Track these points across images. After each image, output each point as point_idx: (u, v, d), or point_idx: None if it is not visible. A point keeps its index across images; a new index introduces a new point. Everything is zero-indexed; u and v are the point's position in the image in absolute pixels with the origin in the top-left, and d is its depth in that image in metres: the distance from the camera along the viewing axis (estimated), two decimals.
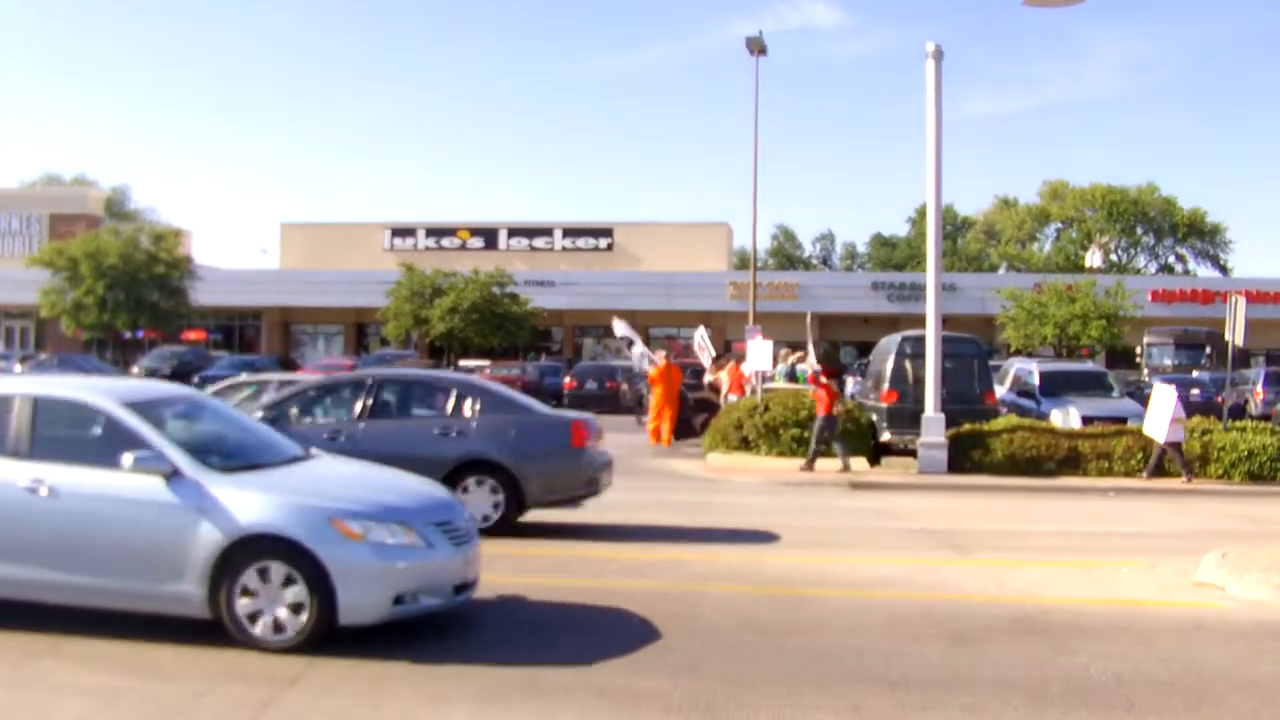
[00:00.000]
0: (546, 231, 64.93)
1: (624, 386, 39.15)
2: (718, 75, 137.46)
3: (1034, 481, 19.57)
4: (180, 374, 44.56)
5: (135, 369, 44.80)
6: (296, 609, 7.86)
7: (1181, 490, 19.17)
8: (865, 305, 57.16)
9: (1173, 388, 20.16)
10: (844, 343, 58.94)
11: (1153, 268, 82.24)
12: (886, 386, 23.47)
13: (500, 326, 49.97)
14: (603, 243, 64.31)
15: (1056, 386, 26.13)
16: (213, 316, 61.43)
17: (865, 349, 42.22)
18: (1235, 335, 21.28)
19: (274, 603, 7.88)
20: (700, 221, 66.90)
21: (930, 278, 21.49)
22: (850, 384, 39.35)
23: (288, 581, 7.88)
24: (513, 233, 64.92)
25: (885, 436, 23.05)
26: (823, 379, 21.28)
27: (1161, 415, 19.55)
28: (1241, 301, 21.60)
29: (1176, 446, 19.63)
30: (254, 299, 61.48)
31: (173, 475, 8.08)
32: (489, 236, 64.58)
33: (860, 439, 22.14)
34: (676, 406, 26.28)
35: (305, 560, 7.86)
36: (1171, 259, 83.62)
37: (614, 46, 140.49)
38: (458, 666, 7.68)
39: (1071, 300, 45.70)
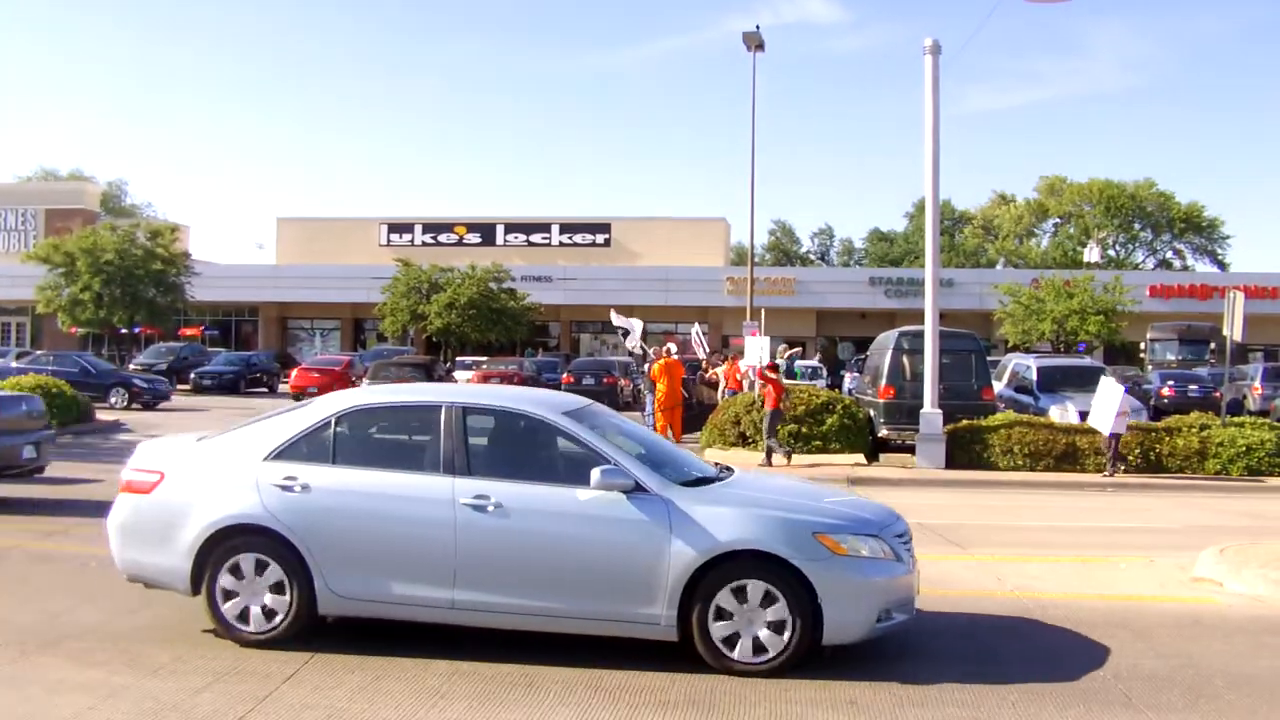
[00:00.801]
0: (544, 227, 64.95)
1: (622, 381, 39.17)
2: (715, 70, 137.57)
3: (1032, 476, 19.57)
4: (177, 370, 44.72)
5: (131, 365, 44.82)
6: (778, 628, 7.46)
7: (1178, 486, 19.18)
8: (863, 300, 57.23)
9: (1118, 383, 20.12)
10: (841, 338, 59.01)
11: (1150, 263, 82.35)
12: (884, 382, 23.47)
13: (497, 322, 50.01)
14: (600, 238, 64.35)
15: (1054, 382, 26.13)
16: (209, 312, 61.51)
17: (863, 344, 42.23)
18: (1233, 330, 21.26)
19: (752, 623, 7.48)
20: (698, 217, 67.03)
21: (928, 273, 21.47)
22: (848, 379, 39.38)
23: (767, 600, 7.47)
24: (510, 228, 64.95)
25: (883, 432, 23.05)
26: (769, 374, 21.41)
27: (1107, 409, 19.54)
28: (1240, 297, 21.58)
29: (1115, 439, 19.63)
30: (251, 295, 61.54)
31: (634, 490, 7.66)
32: (486, 232, 64.60)
33: (858, 435, 22.13)
34: (681, 402, 26.20)
35: (789, 577, 7.44)
36: (1169, 254, 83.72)
37: (611, 42, 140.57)
38: (454, 663, 7.66)
39: (1069, 296, 45.72)
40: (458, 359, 47.65)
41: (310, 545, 7.80)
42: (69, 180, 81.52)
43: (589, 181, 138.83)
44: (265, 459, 8.06)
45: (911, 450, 21.00)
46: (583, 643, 8.10)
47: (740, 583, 7.49)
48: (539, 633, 7.85)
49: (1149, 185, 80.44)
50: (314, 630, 7.95)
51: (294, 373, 42.11)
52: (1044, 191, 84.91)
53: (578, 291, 57.33)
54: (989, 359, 27.31)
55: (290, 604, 7.86)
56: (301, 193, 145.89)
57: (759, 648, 7.48)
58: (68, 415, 25.05)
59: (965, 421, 21.06)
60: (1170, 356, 43.52)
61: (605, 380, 38.88)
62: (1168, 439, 20.26)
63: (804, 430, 21.68)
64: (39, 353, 42.94)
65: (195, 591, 7.96)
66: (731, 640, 7.50)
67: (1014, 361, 30.01)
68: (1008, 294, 47.98)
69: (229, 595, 7.91)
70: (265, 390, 46.00)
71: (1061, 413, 23.66)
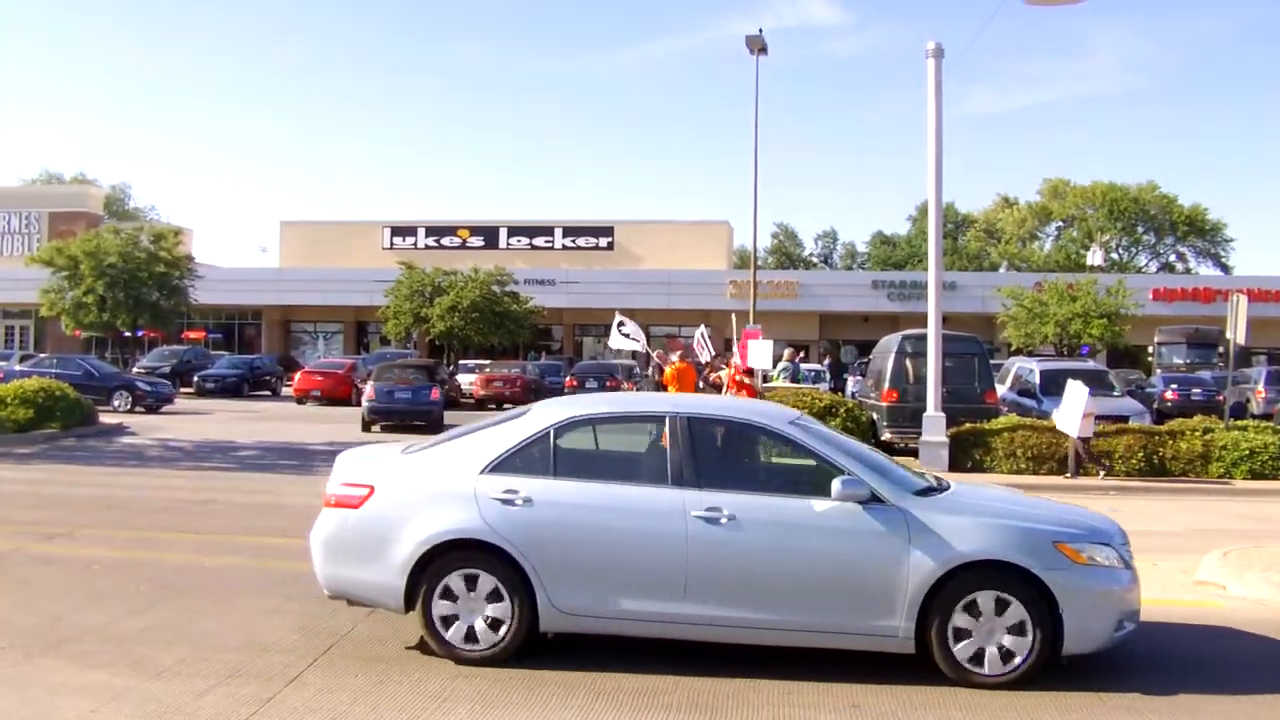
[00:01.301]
0: (547, 230, 64.97)
1: (625, 385, 39.17)
2: (718, 73, 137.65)
3: (1035, 480, 19.53)
4: (180, 373, 44.77)
5: (135, 368, 44.85)
6: (1018, 640, 7.40)
7: (1182, 490, 19.16)
8: (866, 304, 57.19)
9: (1083, 385, 20.13)
10: (844, 341, 58.92)
11: (1154, 266, 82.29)
12: (887, 385, 23.47)
13: (500, 325, 49.97)
14: (603, 241, 64.36)
15: (1058, 385, 26.05)
16: (213, 315, 61.56)
17: (866, 348, 42.19)
18: (1237, 334, 21.25)
19: (992, 634, 7.41)
20: (700, 220, 67.01)
21: (931, 276, 21.47)
22: (851, 383, 39.35)
23: (1005, 610, 7.41)
24: (513, 231, 64.98)
25: (886, 435, 23.03)
26: (745, 380, 21.59)
27: (1074, 411, 19.55)
28: (1243, 300, 21.57)
29: (1085, 442, 19.65)
30: (254, 298, 61.57)
31: (870, 501, 7.56)
32: (489, 235, 64.62)
33: (861, 438, 22.08)
34: None
35: (1029, 588, 7.38)
36: (1172, 257, 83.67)
37: (613, 44, 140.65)
38: (458, 666, 7.66)
39: (1072, 299, 45.65)
40: (461, 362, 47.66)
41: (533, 560, 7.63)
42: (72, 184, 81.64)
43: (591, 184, 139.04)
44: (482, 472, 7.88)
45: (914, 454, 20.98)
46: (582, 645, 8.10)
47: (979, 594, 7.44)
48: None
49: (1152, 188, 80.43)
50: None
51: (297, 376, 42.14)
52: (1047, 194, 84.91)
53: (580, 295, 57.32)
54: (992, 362, 27.30)
55: (511, 620, 7.67)
56: (305, 196, 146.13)
57: (1000, 659, 7.43)
58: (71, 418, 25.06)
59: (968, 425, 21.05)
60: (1178, 360, 43.48)
61: (608, 383, 38.91)
62: (1171, 442, 20.24)
63: None
64: (42, 356, 42.97)
65: (408, 609, 7.80)
66: (970, 652, 7.45)
67: (1017, 365, 29.99)
68: (1011, 297, 47.91)
69: (445, 612, 7.74)
70: (268, 393, 46.04)
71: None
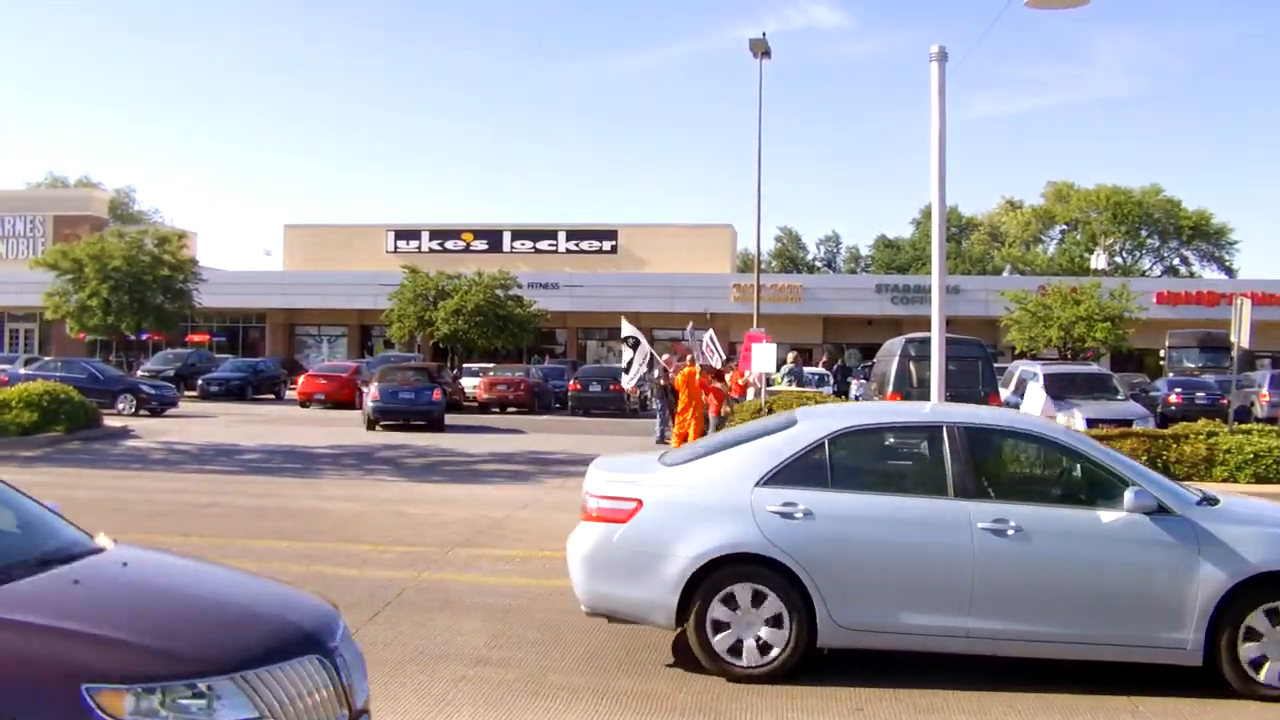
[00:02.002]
0: (550, 234, 65.05)
1: (629, 389, 39.17)
2: (721, 77, 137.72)
3: None
4: (184, 376, 44.82)
5: (139, 371, 44.92)
6: None
7: None
8: (869, 307, 57.22)
9: (1041, 389, 20.14)
10: (848, 345, 58.93)
11: (1158, 270, 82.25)
12: (890, 389, 23.42)
13: (504, 329, 49.98)
14: (606, 245, 64.43)
15: (1061, 389, 26.06)
16: (217, 319, 61.63)
17: (869, 351, 42.18)
18: (1241, 337, 21.21)
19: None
20: (704, 224, 67.01)
21: (935, 280, 21.41)
22: (854, 386, 39.34)
23: None
24: (516, 235, 65.06)
25: None
26: (714, 383, 21.77)
27: (1032, 412, 19.62)
28: (1247, 304, 21.52)
29: None
30: (258, 301, 61.65)
31: (1156, 512, 7.46)
32: (493, 239, 64.70)
33: None
34: (701, 411, 26.25)
35: None
36: (1176, 261, 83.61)
37: (617, 49, 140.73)
38: (462, 669, 7.67)
39: (1076, 302, 45.64)
40: (464, 365, 47.67)
41: (814, 574, 7.47)
42: (77, 187, 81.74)
43: (596, 188, 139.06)
44: (758, 485, 7.70)
45: None
46: (593, 645, 8.10)
47: (1273, 605, 7.31)
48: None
49: (1156, 191, 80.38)
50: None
51: (301, 379, 42.15)
52: (1051, 198, 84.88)
53: (584, 298, 57.38)
54: (996, 366, 27.27)
55: (789, 635, 7.51)
56: (309, 200, 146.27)
57: None
58: (75, 421, 25.07)
59: None
60: (1189, 363, 43.45)
61: (612, 387, 38.91)
62: (1175, 446, 20.19)
63: None
64: (47, 359, 43.06)
65: (678, 625, 7.68)
66: (1260, 664, 7.34)
67: (1021, 368, 29.96)
68: (1014, 301, 47.90)
69: (719, 628, 7.58)
70: (272, 397, 46.06)
71: (1068, 420, 23.61)
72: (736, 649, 7.56)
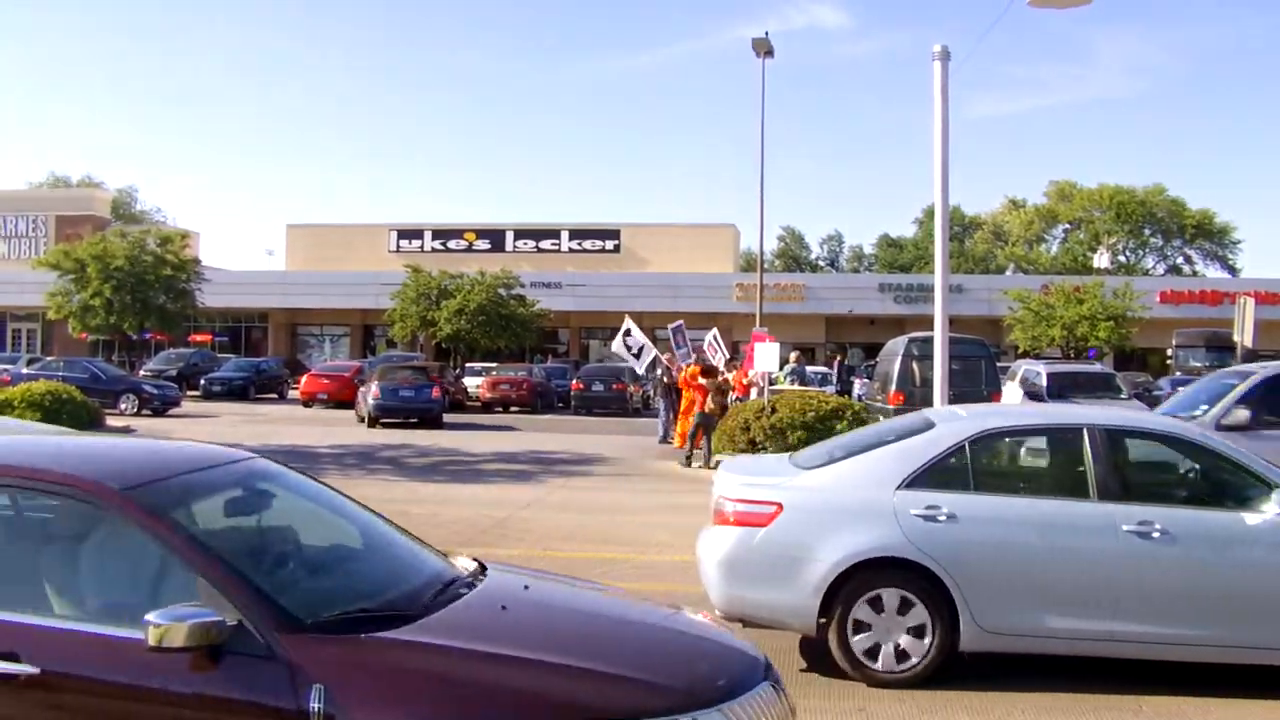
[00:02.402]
0: (553, 233, 65.05)
1: (631, 388, 39.19)
2: (724, 77, 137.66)
3: None
4: (186, 376, 44.82)
5: (141, 371, 44.93)
6: None
7: None
8: (872, 307, 57.18)
9: (1018, 387, 20.12)
10: (851, 344, 58.91)
11: (1161, 269, 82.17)
12: (893, 388, 23.41)
13: (507, 329, 49.97)
14: (609, 244, 64.42)
15: (1064, 388, 26.01)
16: (219, 318, 61.66)
17: (872, 350, 42.23)
18: (1244, 336, 21.21)
19: None
20: (707, 223, 66.98)
21: (938, 279, 21.35)
22: (857, 386, 39.31)
23: None
24: (519, 235, 65.06)
25: None
26: (699, 380, 21.95)
27: None
28: (1250, 302, 21.53)
29: None
30: (260, 301, 61.66)
31: None
32: (495, 238, 64.71)
33: None
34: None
35: None
36: (1179, 260, 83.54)
37: (619, 48, 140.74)
38: None
39: (1079, 301, 45.64)
40: (467, 365, 47.67)
41: (958, 577, 7.43)
42: (79, 187, 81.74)
43: (598, 188, 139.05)
44: (899, 488, 7.67)
45: None
46: None
47: None
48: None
49: (1159, 191, 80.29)
50: None
51: (303, 379, 42.17)
52: (1054, 197, 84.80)
53: (587, 298, 57.36)
54: (999, 365, 27.25)
55: (931, 640, 7.49)
56: (311, 199, 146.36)
57: None
58: (78, 421, 24.97)
59: None
60: (1196, 363, 43.38)
61: (614, 386, 38.95)
62: None
63: (814, 437, 21.62)
64: (49, 358, 43.05)
65: (817, 631, 7.64)
66: None
67: (1024, 368, 29.92)
68: (1017, 300, 47.91)
69: (860, 633, 7.55)
70: (275, 396, 46.06)
71: None
72: (874, 653, 7.53)
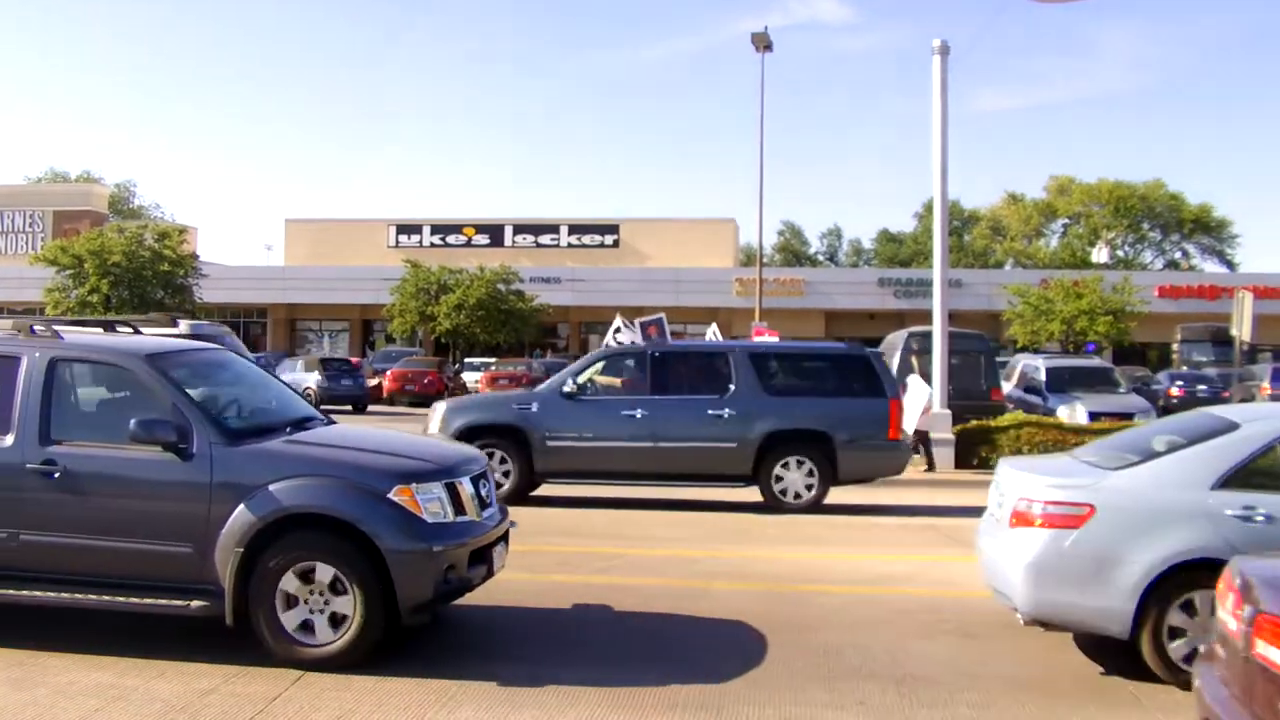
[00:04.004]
0: (552, 228, 65.01)
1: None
2: (724, 71, 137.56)
3: None
4: None
5: None
6: None
7: None
8: (872, 301, 57.16)
9: (925, 384, 20.15)
10: (850, 339, 58.82)
11: (1159, 263, 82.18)
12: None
13: (506, 323, 50.02)
14: (609, 239, 64.39)
15: (1063, 382, 26.04)
16: (217, 314, 61.45)
17: (872, 345, 42.15)
18: (1242, 330, 21.22)
19: None
20: (707, 218, 66.92)
21: (937, 274, 21.45)
22: None
23: None
24: (518, 229, 65.02)
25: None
26: None
27: (914, 407, 19.64)
28: (1248, 297, 21.54)
29: (924, 436, 19.95)
30: (259, 296, 61.61)
31: None
32: (494, 233, 64.66)
33: None
34: None
35: None
36: (1178, 255, 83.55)
37: (620, 43, 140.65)
38: (466, 665, 7.65)
39: (1078, 296, 45.64)
40: (466, 360, 47.69)
41: None
42: (77, 182, 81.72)
43: (598, 183, 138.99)
44: (1213, 488, 7.50)
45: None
46: (593, 640, 8.08)
47: None
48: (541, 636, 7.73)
49: (1159, 185, 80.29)
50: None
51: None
52: (1053, 192, 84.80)
53: (586, 293, 57.33)
54: (998, 359, 27.25)
55: None
56: (310, 194, 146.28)
57: None
58: None
59: (974, 422, 21.02)
60: (1201, 357, 43.37)
61: None
62: None
63: None
64: None
65: (1132, 634, 7.44)
66: None
67: (1023, 362, 29.93)
68: (1016, 294, 47.91)
69: (1175, 637, 7.37)
70: None
71: (1070, 413, 23.60)
72: (1190, 658, 7.32)
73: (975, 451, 20.46)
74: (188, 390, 7.95)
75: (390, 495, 7.43)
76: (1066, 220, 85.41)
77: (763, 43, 32.67)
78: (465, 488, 7.88)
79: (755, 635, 8.60)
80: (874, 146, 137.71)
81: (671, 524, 14.18)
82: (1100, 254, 62.10)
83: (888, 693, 7.23)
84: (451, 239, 64.64)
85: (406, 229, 65.83)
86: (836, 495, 15.65)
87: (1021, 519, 7.80)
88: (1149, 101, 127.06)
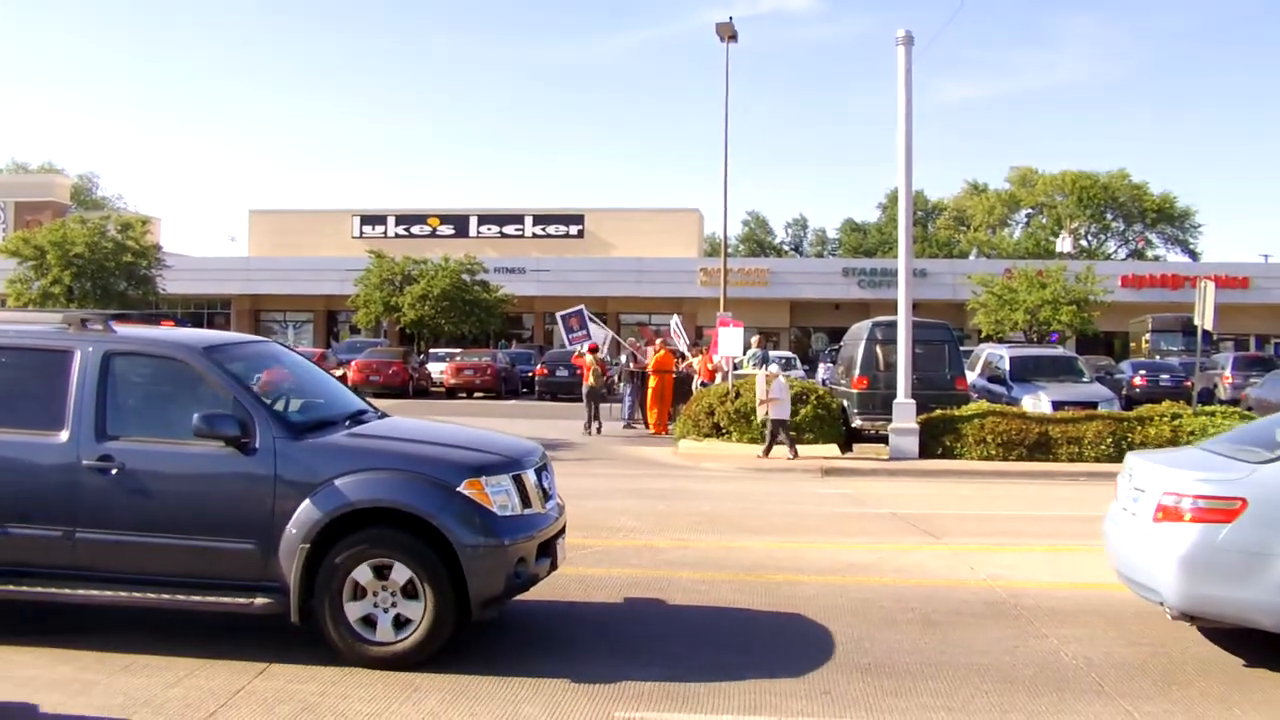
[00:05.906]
0: (517, 218, 64.85)
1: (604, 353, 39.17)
2: (689, 61, 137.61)
3: (1004, 466, 19.62)
4: None
5: None
6: None
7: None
8: (837, 291, 57.30)
9: (782, 381, 20.36)
10: (815, 328, 59.03)
11: (1122, 253, 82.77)
12: (858, 372, 23.51)
13: (471, 314, 49.86)
14: (574, 229, 64.30)
15: (1027, 372, 26.22)
16: (181, 305, 61.08)
17: (836, 335, 42.29)
18: (1204, 320, 21.38)
19: None
20: (671, 208, 66.90)
21: (901, 263, 21.52)
22: (822, 370, 39.39)
23: None
24: (483, 220, 64.83)
25: (856, 422, 23.08)
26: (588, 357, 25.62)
27: (760, 394, 20.00)
28: (1210, 286, 21.69)
29: (781, 424, 20.10)
30: (223, 287, 61.24)
31: None
32: (459, 223, 64.45)
33: (832, 425, 22.14)
34: (671, 394, 26.62)
35: None
36: (1141, 244, 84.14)
37: (584, 32, 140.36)
38: (431, 658, 7.64)
39: (1042, 286, 45.91)
40: (431, 350, 47.53)
41: None
42: (39, 173, 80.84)
43: (562, 173, 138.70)
44: None
45: (885, 440, 21.05)
46: (557, 631, 8.08)
47: None
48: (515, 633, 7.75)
49: (1122, 176, 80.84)
50: (281, 630, 7.78)
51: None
52: (1016, 182, 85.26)
53: (551, 283, 57.24)
54: (962, 349, 27.39)
55: None
56: (274, 185, 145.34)
57: None
58: None
59: (939, 411, 21.12)
60: (1171, 346, 43.72)
61: (578, 372, 38.86)
62: (1139, 428, 20.34)
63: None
64: None
65: None
66: None
67: (987, 351, 30.10)
68: (981, 284, 48.15)
69: None
70: None
71: (1034, 402, 23.76)
72: None
73: (939, 441, 20.55)
74: (247, 384, 7.86)
75: (460, 489, 7.36)
76: (1030, 210, 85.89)
77: (728, 33, 32.59)
78: (530, 479, 7.86)
79: (721, 625, 8.62)
80: (839, 136, 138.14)
81: (636, 514, 14.18)
82: (1064, 244, 62.34)
83: (853, 681, 7.27)
84: (416, 229, 64.40)
85: (371, 219, 65.55)
86: (804, 485, 15.66)
87: (1169, 514, 7.70)
88: (1113, 92, 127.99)
